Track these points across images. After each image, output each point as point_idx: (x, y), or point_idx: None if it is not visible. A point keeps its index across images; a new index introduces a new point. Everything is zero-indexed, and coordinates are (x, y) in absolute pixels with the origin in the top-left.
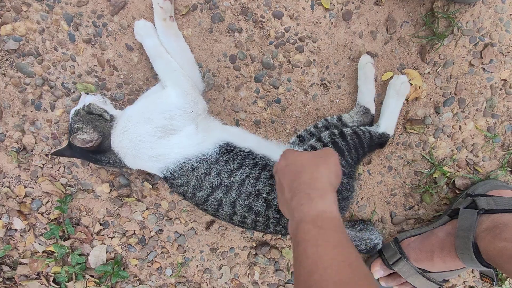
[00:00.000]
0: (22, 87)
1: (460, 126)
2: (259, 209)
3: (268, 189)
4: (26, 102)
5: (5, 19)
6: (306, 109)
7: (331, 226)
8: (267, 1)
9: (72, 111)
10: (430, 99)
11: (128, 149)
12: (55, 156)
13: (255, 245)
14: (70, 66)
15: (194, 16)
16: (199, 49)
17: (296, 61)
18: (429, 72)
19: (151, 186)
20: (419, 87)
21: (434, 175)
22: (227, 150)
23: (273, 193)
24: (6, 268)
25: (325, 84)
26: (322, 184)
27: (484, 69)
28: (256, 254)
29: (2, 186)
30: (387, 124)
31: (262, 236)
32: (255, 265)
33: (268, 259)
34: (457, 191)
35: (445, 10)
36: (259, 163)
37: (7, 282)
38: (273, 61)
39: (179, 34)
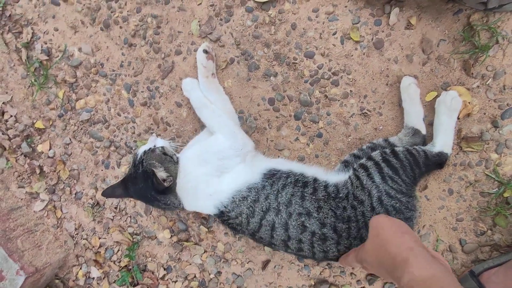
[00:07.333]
0: (94, 150)
1: None
2: (314, 228)
3: (317, 207)
4: (97, 162)
5: (79, 96)
6: (349, 139)
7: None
8: (298, 44)
9: (143, 149)
10: (485, 113)
11: (190, 190)
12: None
13: (313, 283)
14: (131, 127)
15: (232, 68)
16: (240, 97)
17: (333, 94)
18: (478, 86)
19: (207, 229)
20: (469, 102)
21: (505, 195)
22: (271, 175)
23: (322, 212)
24: None
25: (365, 113)
26: (400, 257)
27: None
28: None
29: (81, 239)
30: (443, 142)
31: (320, 274)
32: None
33: None
34: None
35: (484, 21)
36: (300, 180)
37: None
38: (310, 98)
39: (220, 88)
